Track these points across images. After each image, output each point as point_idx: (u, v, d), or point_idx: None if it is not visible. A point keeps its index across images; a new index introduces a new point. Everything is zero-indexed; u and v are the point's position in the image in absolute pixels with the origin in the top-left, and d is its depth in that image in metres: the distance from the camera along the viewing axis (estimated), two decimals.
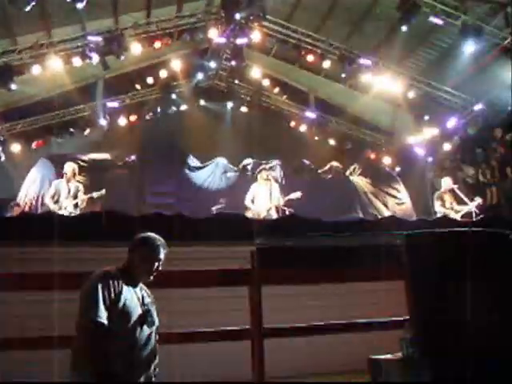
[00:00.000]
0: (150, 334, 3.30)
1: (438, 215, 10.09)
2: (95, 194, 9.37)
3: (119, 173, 12.27)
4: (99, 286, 3.14)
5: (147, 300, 3.40)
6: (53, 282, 4.30)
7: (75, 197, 9.19)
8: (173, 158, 12.68)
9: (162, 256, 3.41)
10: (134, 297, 3.28)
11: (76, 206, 9.13)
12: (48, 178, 10.98)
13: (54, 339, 4.20)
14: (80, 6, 9.30)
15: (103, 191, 9.40)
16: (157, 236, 3.49)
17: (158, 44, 11.78)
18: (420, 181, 13.89)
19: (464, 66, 11.56)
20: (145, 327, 3.26)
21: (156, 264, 3.39)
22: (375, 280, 5.37)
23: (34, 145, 12.83)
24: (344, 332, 5.20)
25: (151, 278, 3.42)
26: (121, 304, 3.16)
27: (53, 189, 9.38)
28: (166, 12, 12.25)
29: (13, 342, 4.40)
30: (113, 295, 3.14)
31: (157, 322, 3.39)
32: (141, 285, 3.43)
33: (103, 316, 3.06)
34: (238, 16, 11.38)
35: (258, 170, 11.00)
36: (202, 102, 14.68)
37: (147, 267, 3.38)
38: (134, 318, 3.21)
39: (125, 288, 3.24)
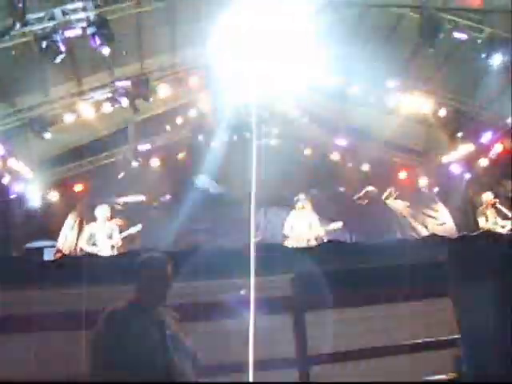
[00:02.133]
0: (176, 361, 3.03)
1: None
2: (131, 230, 9.44)
3: (154, 213, 12.38)
4: (106, 328, 3.01)
5: (171, 324, 3.21)
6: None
7: (110, 237, 9.26)
8: (206, 195, 12.74)
9: (167, 272, 3.24)
10: (148, 324, 3.08)
11: (113, 247, 9.18)
12: (85, 223, 11.16)
13: None
14: (106, 52, 9.50)
15: (139, 226, 9.46)
16: (157, 254, 3.38)
17: (185, 84, 11.98)
18: (460, 199, 13.56)
19: (494, 79, 11.35)
20: (168, 353, 3.02)
21: (164, 282, 3.23)
22: (418, 300, 5.18)
23: (70, 192, 13.03)
24: (392, 355, 5.00)
25: (165, 298, 3.23)
26: (133, 337, 2.97)
27: (87, 233, 9.48)
28: (191, 52, 12.46)
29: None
30: (121, 333, 2.97)
31: (187, 347, 3.19)
32: (162, 310, 3.24)
33: (114, 360, 2.89)
34: None
35: (295, 200, 10.95)
36: (233, 138, 14.74)
37: (156, 288, 3.21)
38: (152, 346, 3.00)
39: (136, 318, 3.06)
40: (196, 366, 3.23)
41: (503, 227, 9.94)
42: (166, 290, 3.24)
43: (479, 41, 10.64)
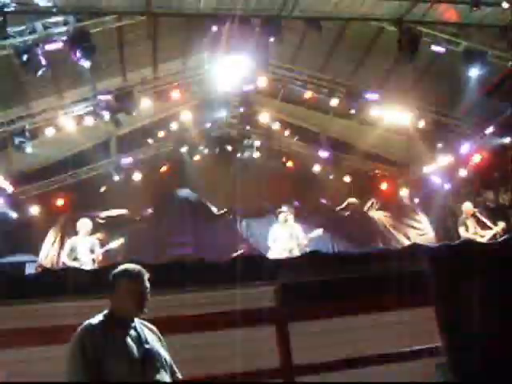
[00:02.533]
0: (156, 375, 2.97)
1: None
2: (113, 244, 9.38)
3: (137, 227, 12.31)
4: (79, 346, 2.90)
5: (150, 337, 3.12)
6: None
7: (92, 252, 9.19)
8: (188, 208, 12.72)
9: (143, 283, 3.13)
10: (126, 338, 2.99)
11: (94, 261, 9.11)
12: (66, 238, 11.06)
13: None
14: (86, 65, 9.49)
15: (121, 240, 9.41)
16: (131, 265, 3.25)
17: (166, 97, 11.99)
18: (440, 209, 13.71)
19: (472, 91, 11.54)
20: (147, 368, 2.95)
21: (140, 293, 3.11)
22: (403, 308, 5.22)
23: (51, 206, 12.90)
24: (376, 364, 5.02)
25: (143, 310, 3.13)
26: (109, 352, 2.88)
27: (68, 247, 9.39)
28: (172, 66, 12.53)
29: None
30: (96, 349, 2.87)
31: (167, 361, 3.12)
32: (140, 323, 3.16)
33: (89, 377, 2.80)
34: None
35: (276, 212, 11.01)
36: (215, 151, 14.77)
37: (132, 300, 3.10)
38: (130, 361, 2.91)
39: (112, 333, 2.97)
40: (174, 381, 3.15)
41: (483, 236, 10.06)
42: (142, 302, 3.13)
43: (457, 54, 10.85)
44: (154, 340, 3.14)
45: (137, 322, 3.16)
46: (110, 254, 9.62)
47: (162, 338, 3.26)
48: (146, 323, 3.23)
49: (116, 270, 3.20)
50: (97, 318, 3.06)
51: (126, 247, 10.06)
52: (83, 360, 2.83)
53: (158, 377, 2.97)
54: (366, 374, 5.27)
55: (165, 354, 3.14)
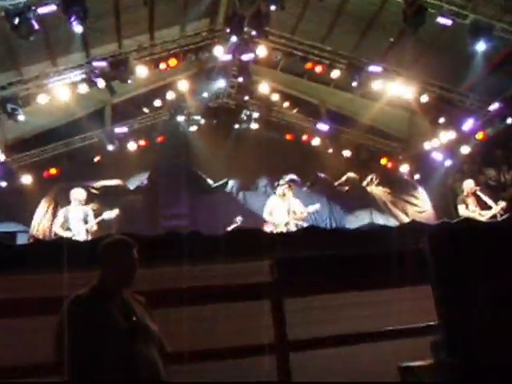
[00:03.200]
0: (144, 348, 2.92)
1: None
2: (105, 215, 9.19)
3: (132, 198, 12.18)
4: (68, 316, 2.85)
5: (138, 310, 3.06)
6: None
7: (86, 222, 8.99)
8: (184, 179, 12.54)
9: (131, 255, 3.07)
10: (114, 310, 2.95)
11: (87, 231, 8.92)
12: (59, 208, 10.88)
13: None
14: (78, 30, 9.20)
15: (116, 210, 9.22)
16: (121, 236, 3.24)
17: (163, 65, 11.70)
18: (440, 186, 13.54)
19: (477, 66, 11.27)
20: (135, 341, 2.90)
21: (128, 265, 3.06)
22: (400, 286, 5.08)
23: (44, 175, 12.68)
24: (372, 341, 4.91)
25: (131, 282, 3.09)
26: (97, 324, 2.83)
27: (61, 217, 9.20)
28: (169, 33, 12.21)
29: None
30: (85, 320, 2.82)
31: (154, 335, 3.05)
32: (128, 295, 3.11)
33: (78, 348, 2.75)
34: (242, 32, 11.27)
35: (274, 185, 10.79)
36: (212, 122, 14.50)
37: (120, 273, 3.06)
38: (118, 333, 2.86)
39: (100, 305, 2.92)
40: (163, 354, 3.08)
41: (482, 216, 9.89)
42: (130, 273, 3.08)
43: (464, 27, 10.54)
44: (142, 312, 3.09)
45: (125, 294, 3.10)
46: (104, 225, 9.44)
47: (150, 310, 3.21)
48: (135, 295, 3.17)
49: (104, 242, 3.16)
50: (84, 290, 3.01)
51: (120, 218, 9.87)
52: (72, 333, 2.78)
53: (146, 350, 2.93)
54: (361, 351, 5.17)
55: (153, 326, 3.09)
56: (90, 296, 2.96)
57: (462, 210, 10.03)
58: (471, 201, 10.15)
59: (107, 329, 2.85)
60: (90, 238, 8.79)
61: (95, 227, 9.07)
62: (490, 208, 9.91)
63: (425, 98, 12.49)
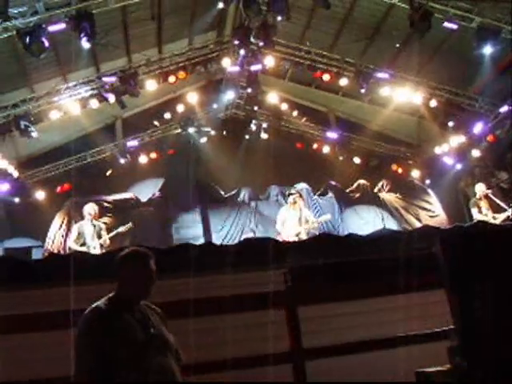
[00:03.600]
0: (161, 359, 2.92)
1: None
2: (121, 229, 9.24)
3: (144, 210, 12.20)
4: (88, 329, 2.86)
5: (155, 321, 3.05)
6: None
7: (99, 236, 9.05)
8: (196, 190, 12.59)
9: (149, 266, 3.05)
10: (133, 322, 2.93)
11: (101, 246, 8.98)
12: (73, 222, 10.97)
13: None
14: (86, 46, 9.32)
15: (130, 224, 9.28)
16: (138, 248, 3.21)
17: (172, 78, 11.80)
18: (452, 190, 13.49)
19: (485, 69, 11.25)
20: (154, 352, 2.90)
21: (146, 277, 3.04)
22: (413, 291, 5.07)
23: (57, 190, 12.81)
24: (387, 347, 4.89)
25: (149, 294, 3.07)
26: (117, 336, 2.82)
27: (75, 232, 9.25)
28: (177, 46, 12.34)
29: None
30: (104, 331, 2.82)
31: (172, 344, 3.05)
32: (145, 306, 3.10)
33: (98, 360, 2.76)
34: (249, 43, 11.35)
35: (285, 194, 10.80)
36: (222, 133, 14.58)
37: (138, 284, 3.03)
38: (137, 345, 2.85)
39: (119, 317, 2.91)
40: (179, 365, 3.07)
41: (495, 219, 9.83)
42: (148, 285, 3.06)
43: (470, 31, 10.53)
44: (159, 323, 3.08)
45: (142, 305, 3.10)
46: (117, 239, 9.50)
47: (166, 320, 3.19)
48: (151, 306, 3.17)
49: (121, 253, 3.14)
50: (102, 302, 3.00)
51: (132, 231, 9.93)
52: (92, 343, 2.80)
53: (164, 360, 2.92)
54: (376, 358, 5.15)
55: (170, 337, 3.08)
56: (109, 307, 2.95)
57: (475, 214, 9.98)
58: (484, 204, 10.08)
59: (126, 340, 2.84)
60: (103, 251, 8.84)
61: (108, 241, 9.12)
62: (503, 211, 9.84)
63: (433, 103, 12.49)
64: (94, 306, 2.97)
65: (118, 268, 3.09)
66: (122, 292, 3.04)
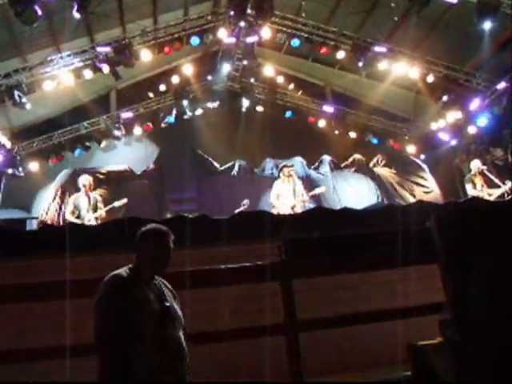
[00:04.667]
0: (173, 331, 3.09)
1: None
2: (117, 204, 9.21)
3: (139, 183, 12.18)
4: (109, 293, 3.00)
5: (168, 295, 3.22)
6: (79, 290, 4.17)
7: (95, 209, 9.00)
8: (191, 163, 12.55)
9: (168, 244, 3.21)
10: (149, 294, 3.10)
11: (96, 219, 8.95)
12: (67, 194, 10.94)
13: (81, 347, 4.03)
14: (77, 15, 9.16)
15: (125, 200, 9.24)
16: (159, 226, 3.34)
17: (167, 49, 11.64)
18: (446, 167, 13.49)
19: (483, 45, 11.14)
20: (167, 324, 3.06)
21: (164, 254, 3.20)
22: (407, 265, 5.09)
23: (50, 161, 12.71)
24: (380, 320, 4.92)
25: (164, 270, 3.25)
26: (135, 304, 2.97)
27: (71, 204, 9.19)
28: (173, 17, 12.16)
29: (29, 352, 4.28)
30: (124, 298, 2.96)
31: (181, 318, 3.20)
32: (159, 280, 3.26)
33: (118, 321, 2.90)
34: (246, 14, 11.20)
35: (279, 167, 10.73)
36: (217, 105, 14.46)
37: (156, 259, 3.19)
38: (153, 316, 3.01)
39: (138, 287, 3.07)
40: (185, 337, 3.22)
41: (490, 195, 9.85)
42: (165, 261, 3.22)
43: (469, 5, 10.40)
44: (171, 298, 3.24)
45: (157, 279, 3.26)
46: (111, 211, 9.47)
47: (176, 295, 3.36)
48: (164, 282, 3.31)
49: (142, 230, 3.29)
50: (123, 270, 3.17)
51: (127, 203, 9.90)
52: (114, 307, 2.95)
53: (174, 332, 3.10)
54: (369, 331, 5.19)
55: (179, 311, 3.25)
56: (129, 276, 3.10)
57: (470, 189, 10.00)
58: (478, 180, 10.11)
59: (144, 309, 2.99)
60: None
61: (104, 214, 9.09)
62: (497, 187, 9.87)
63: (430, 78, 12.35)
64: (114, 272, 3.12)
65: (138, 242, 3.24)
66: (140, 265, 3.20)
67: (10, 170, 12.20)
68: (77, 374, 3.94)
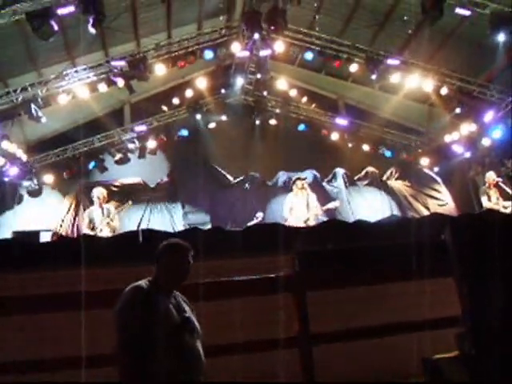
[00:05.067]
0: (192, 343, 3.16)
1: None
2: (124, 206, 9.31)
3: (152, 195, 12.22)
4: (131, 302, 3.07)
5: (185, 308, 3.30)
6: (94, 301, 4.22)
7: (110, 220, 9.07)
8: (204, 176, 12.58)
9: (188, 259, 3.31)
10: (168, 306, 3.18)
11: (109, 225, 8.98)
12: (81, 206, 11.02)
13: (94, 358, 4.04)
14: (92, 30, 9.27)
15: (130, 202, 9.34)
16: (180, 241, 3.42)
17: (181, 63, 11.72)
18: (461, 179, 13.39)
19: (497, 57, 11.10)
20: (186, 335, 3.13)
21: (184, 269, 3.30)
22: (422, 278, 5.04)
23: (65, 174, 12.81)
24: (396, 333, 4.88)
25: (182, 283, 3.34)
26: (156, 315, 3.05)
27: (86, 218, 9.26)
28: (186, 31, 12.25)
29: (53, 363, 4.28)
30: (146, 308, 3.04)
31: (199, 330, 3.26)
32: (177, 293, 3.34)
33: (140, 331, 2.96)
34: (259, 28, 11.25)
35: (292, 180, 10.71)
36: (230, 118, 14.51)
37: (176, 273, 3.30)
38: (172, 326, 3.09)
39: (158, 299, 3.14)
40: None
41: (506, 207, 9.76)
42: (184, 276, 3.33)
43: (483, 18, 10.37)
44: (188, 310, 3.33)
45: (175, 292, 3.36)
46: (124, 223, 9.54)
47: (193, 308, 3.43)
48: (178, 293, 3.39)
49: (164, 243, 3.39)
50: (143, 282, 3.24)
51: (141, 216, 9.98)
52: (135, 317, 3.02)
53: (193, 343, 3.17)
54: (384, 344, 5.15)
55: (197, 323, 3.32)
56: (149, 288, 3.17)
57: (485, 202, 9.93)
58: (493, 192, 10.04)
59: (163, 321, 3.07)
60: (112, 233, 8.88)
61: (117, 222, 9.13)
62: None
63: (444, 90, 12.30)
64: (135, 284, 3.21)
65: (159, 255, 3.33)
66: (159, 277, 3.28)
67: (26, 183, 12.29)
68: None
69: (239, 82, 13.43)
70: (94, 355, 4.05)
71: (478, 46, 11.50)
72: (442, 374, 3.38)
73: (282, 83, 13.73)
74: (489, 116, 12.28)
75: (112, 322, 3.14)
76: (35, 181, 12.38)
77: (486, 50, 11.08)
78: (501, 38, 10.23)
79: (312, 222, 9.40)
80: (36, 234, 10.46)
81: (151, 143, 13.62)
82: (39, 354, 4.45)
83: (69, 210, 11.42)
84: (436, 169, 14.28)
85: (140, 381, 2.93)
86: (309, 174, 12.15)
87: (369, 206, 12.38)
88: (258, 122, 14.55)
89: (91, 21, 9.18)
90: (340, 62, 12.24)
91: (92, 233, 8.93)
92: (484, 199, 9.95)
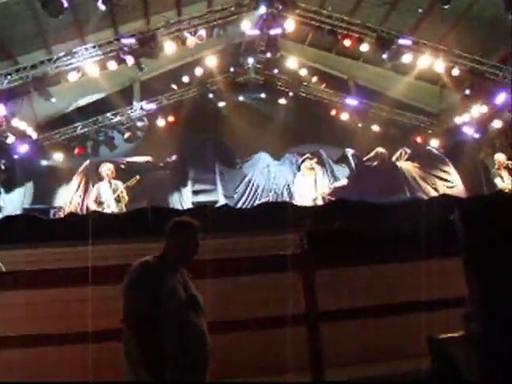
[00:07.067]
0: (197, 320, 3.19)
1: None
2: (131, 181, 9.34)
3: (161, 174, 12.25)
4: (139, 277, 3.12)
5: (191, 285, 3.33)
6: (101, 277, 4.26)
7: (117, 196, 9.14)
8: (213, 154, 12.58)
9: (197, 238, 3.35)
10: (176, 283, 3.21)
11: (117, 201, 9.04)
12: (90, 183, 11.07)
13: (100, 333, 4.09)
14: (102, 7, 9.21)
15: (137, 176, 9.37)
16: (191, 219, 3.44)
17: (191, 41, 11.63)
18: (470, 161, 13.28)
19: (510, 38, 10.94)
20: (191, 312, 3.17)
21: (192, 247, 3.33)
22: (430, 258, 5.05)
23: (74, 152, 12.87)
24: (402, 313, 4.91)
25: (190, 261, 3.38)
26: (163, 291, 3.09)
27: (94, 192, 9.37)
28: (196, 8, 12.14)
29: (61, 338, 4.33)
30: (154, 284, 3.08)
31: (203, 306, 3.30)
32: (183, 271, 3.37)
33: (147, 305, 3.01)
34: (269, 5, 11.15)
35: (301, 160, 10.69)
36: (240, 97, 14.46)
37: (184, 251, 3.33)
38: (179, 303, 3.13)
39: (165, 275, 3.17)
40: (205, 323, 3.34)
41: None
42: (192, 255, 3.37)
43: None
44: (193, 287, 3.36)
45: (181, 269, 3.39)
46: (133, 202, 9.56)
47: (196, 284, 3.46)
48: (186, 273, 3.42)
49: (175, 220, 3.43)
50: (151, 258, 3.29)
51: (149, 193, 9.99)
52: (143, 290, 3.08)
53: (197, 320, 3.21)
54: (390, 323, 5.18)
55: (201, 300, 3.36)
56: (157, 263, 3.21)
57: (499, 183, 9.89)
58: (505, 174, 9.99)
59: (170, 296, 3.11)
60: (120, 209, 8.95)
61: (124, 192, 9.18)
62: None
63: (456, 71, 12.13)
64: (144, 259, 3.26)
65: (169, 232, 3.38)
66: (168, 254, 3.33)
67: (37, 161, 12.35)
68: (97, 359, 4.01)
69: (249, 60, 13.36)
70: (101, 330, 4.12)
71: (491, 26, 11.33)
72: (447, 353, 3.40)
73: (292, 62, 13.63)
74: (501, 98, 12.13)
75: (119, 297, 3.19)
76: (45, 158, 12.44)
77: (499, 31, 10.91)
78: None
79: (320, 202, 9.42)
80: (46, 210, 10.57)
81: (161, 121, 13.61)
82: (47, 329, 4.51)
83: (78, 187, 11.48)
84: (446, 150, 14.18)
85: (145, 356, 2.96)
86: (318, 152, 12.12)
87: (378, 186, 12.33)
88: (267, 101, 14.49)
89: None
90: (351, 41, 12.07)
91: (99, 208, 9.01)
92: (498, 180, 9.90)
